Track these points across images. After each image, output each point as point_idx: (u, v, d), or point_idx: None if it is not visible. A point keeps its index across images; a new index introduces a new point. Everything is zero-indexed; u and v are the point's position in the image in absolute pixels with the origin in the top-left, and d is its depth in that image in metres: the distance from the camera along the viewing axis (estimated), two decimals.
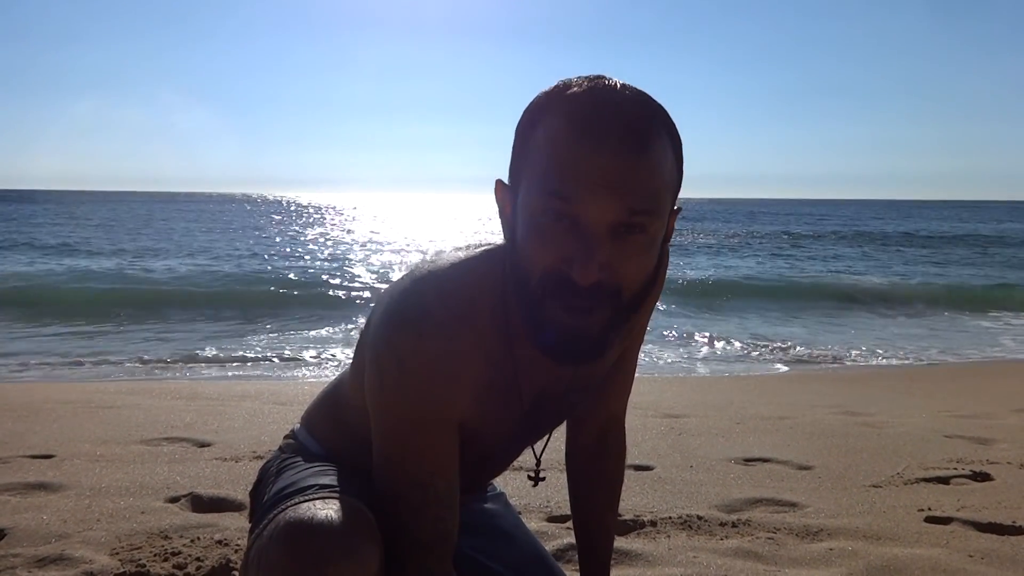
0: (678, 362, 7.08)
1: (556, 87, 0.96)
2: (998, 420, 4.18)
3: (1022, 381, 6.19)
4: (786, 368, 6.97)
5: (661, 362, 7.02)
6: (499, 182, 1.04)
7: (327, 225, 36.91)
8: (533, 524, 2.23)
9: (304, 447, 1.27)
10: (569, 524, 2.23)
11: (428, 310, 1.00)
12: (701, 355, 7.52)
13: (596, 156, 0.89)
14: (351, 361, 1.19)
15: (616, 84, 0.94)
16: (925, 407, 4.65)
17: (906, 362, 7.33)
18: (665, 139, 0.94)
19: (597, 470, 1.39)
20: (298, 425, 1.33)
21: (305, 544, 0.91)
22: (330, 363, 6.84)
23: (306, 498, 1.02)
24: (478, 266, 1.06)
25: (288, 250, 20.83)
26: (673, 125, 0.97)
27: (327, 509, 0.95)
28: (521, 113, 1.00)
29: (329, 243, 24.24)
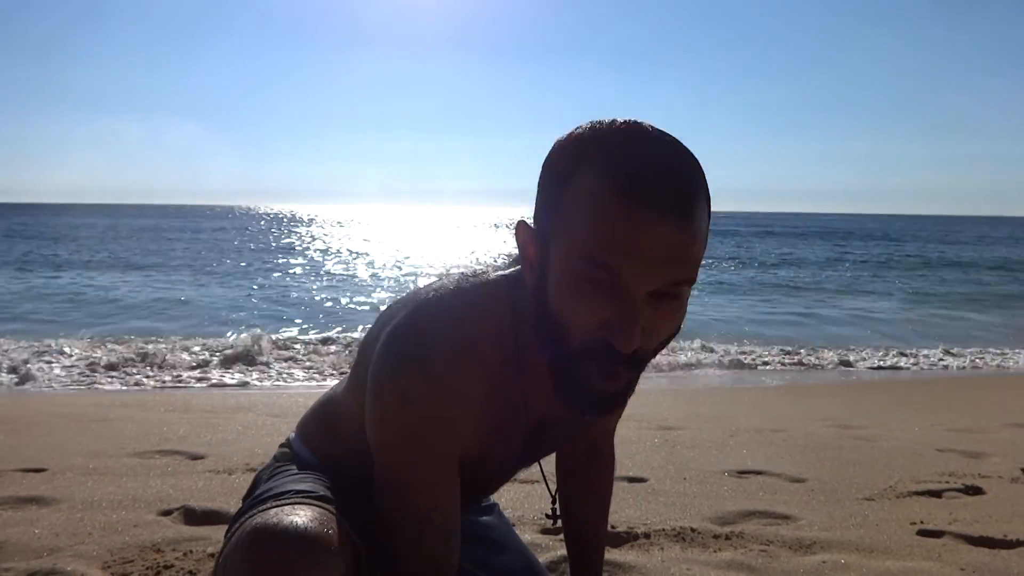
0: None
1: (592, 133, 0.92)
2: (990, 434, 4.19)
3: (1014, 395, 6.22)
4: (780, 381, 6.98)
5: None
6: (523, 223, 1.00)
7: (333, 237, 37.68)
8: (527, 536, 2.23)
9: (298, 456, 1.27)
10: (562, 536, 2.24)
11: (432, 346, 1.00)
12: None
13: (644, 230, 0.86)
14: (349, 373, 1.19)
15: (655, 135, 0.91)
16: (918, 420, 4.66)
17: (899, 375, 7.36)
18: (704, 201, 0.92)
19: (588, 481, 1.40)
20: (293, 434, 1.34)
21: (267, 551, 0.91)
22: (325, 374, 6.83)
23: (278, 504, 1.02)
24: (483, 299, 1.06)
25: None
26: (705, 179, 0.94)
27: (294, 516, 0.95)
28: (550, 152, 0.96)
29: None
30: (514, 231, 1.01)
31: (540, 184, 0.96)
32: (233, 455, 3.32)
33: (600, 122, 0.93)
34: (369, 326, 1.17)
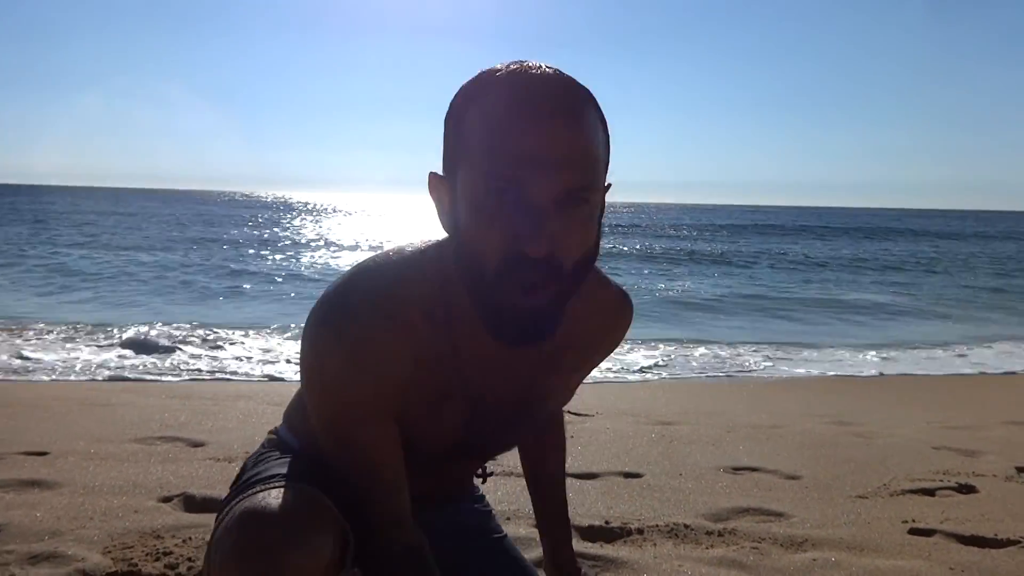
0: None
1: (481, 74, 0.97)
2: (986, 432, 4.21)
3: (1011, 393, 6.23)
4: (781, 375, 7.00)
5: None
6: (433, 175, 1.02)
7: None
8: (521, 530, 2.26)
9: (284, 442, 1.30)
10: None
11: (351, 311, 1.01)
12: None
13: (534, 130, 0.90)
14: None
15: (540, 65, 0.96)
16: (915, 418, 4.68)
17: (899, 372, 7.37)
18: (594, 113, 0.96)
19: (541, 443, 1.43)
20: (281, 422, 1.36)
21: (256, 534, 0.92)
22: None
23: (265, 487, 1.04)
24: (412, 264, 1.06)
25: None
26: (598, 103, 0.99)
27: (281, 498, 0.97)
28: (448, 105, 1.00)
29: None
30: (428, 186, 1.03)
31: (443, 136, 1.00)
32: (233, 443, 3.35)
33: (488, 67, 0.98)
34: None
